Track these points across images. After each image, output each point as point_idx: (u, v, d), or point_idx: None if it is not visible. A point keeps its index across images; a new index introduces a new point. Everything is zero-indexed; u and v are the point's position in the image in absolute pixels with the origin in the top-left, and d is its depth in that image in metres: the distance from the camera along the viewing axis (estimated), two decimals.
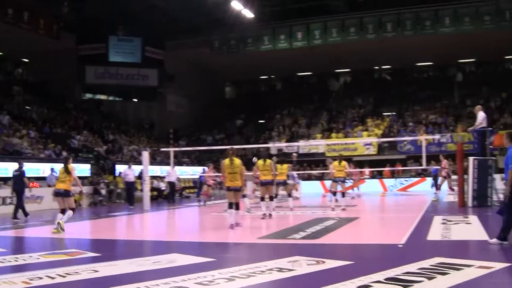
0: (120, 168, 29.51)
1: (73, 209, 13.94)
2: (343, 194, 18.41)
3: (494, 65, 47.43)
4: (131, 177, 24.50)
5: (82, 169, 28.97)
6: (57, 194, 13.90)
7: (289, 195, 18.91)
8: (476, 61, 47.96)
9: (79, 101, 41.18)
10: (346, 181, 19.25)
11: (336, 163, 18.30)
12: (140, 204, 22.79)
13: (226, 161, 13.13)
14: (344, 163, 18.12)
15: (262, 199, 15.82)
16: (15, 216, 17.93)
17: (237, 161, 13.10)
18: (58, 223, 13.29)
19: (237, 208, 13.09)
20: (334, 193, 18.86)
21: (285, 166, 18.36)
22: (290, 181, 20.91)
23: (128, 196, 24.90)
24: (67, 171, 13.63)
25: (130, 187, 24.55)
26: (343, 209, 17.25)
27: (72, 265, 8.21)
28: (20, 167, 18.76)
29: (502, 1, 34.78)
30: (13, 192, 18.70)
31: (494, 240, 9.21)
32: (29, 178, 20.51)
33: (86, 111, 39.71)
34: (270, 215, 15.22)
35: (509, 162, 9.14)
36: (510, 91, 41.84)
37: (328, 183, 22.55)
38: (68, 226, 15.61)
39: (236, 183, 13.03)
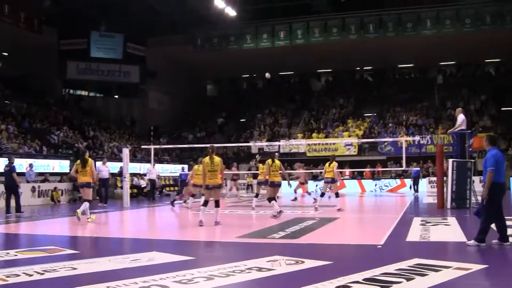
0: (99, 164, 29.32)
1: (89, 201, 14.79)
2: (337, 194, 18.36)
3: (474, 68, 47.85)
4: (105, 174, 23.21)
5: (62, 166, 28.83)
6: (81, 186, 14.98)
7: (257, 195, 19.25)
8: (456, 64, 48.41)
9: (59, 96, 40.85)
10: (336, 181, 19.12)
11: (327, 164, 18.29)
12: (120, 201, 22.69)
13: (207, 159, 13.21)
14: (334, 164, 18.07)
15: (270, 199, 15.31)
16: (8, 211, 18.15)
17: (217, 159, 13.17)
18: (82, 212, 14.50)
19: (217, 205, 13.19)
20: (323, 194, 18.83)
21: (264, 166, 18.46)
22: None
23: (100, 193, 23.84)
24: (84, 164, 14.73)
25: (105, 184, 23.47)
26: (339, 209, 17.30)
27: (50, 262, 8.12)
28: (11, 162, 18.67)
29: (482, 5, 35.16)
30: (5, 187, 18.89)
31: (472, 242, 9.29)
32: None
33: (67, 106, 39.37)
34: (280, 211, 15.05)
35: (487, 165, 9.25)
36: (489, 94, 42.30)
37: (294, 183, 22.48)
38: (47, 222, 15.51)
39: (216, 180, 13.13)
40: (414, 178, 29.89)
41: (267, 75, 25.61)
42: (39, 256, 8.93)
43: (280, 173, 15.49)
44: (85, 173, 14.75)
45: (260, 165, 19.31)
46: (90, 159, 15.21)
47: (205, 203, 13.27)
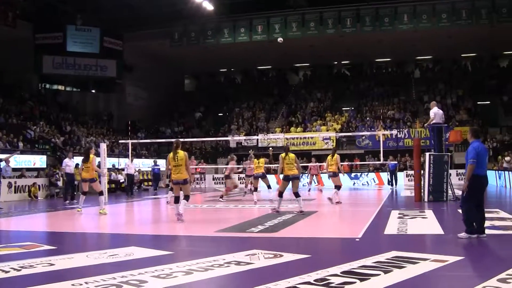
0: (78, 160, 29.06)
1: (101, 192, 16.33)
2: (338, 187, 18.22)
3: (451, 62, 48.25)
4: (72, 169, 22.28)
5: (42, 161, 28.60)
6: (84, 180, 16.13)
7: (269, 186, 19.76)
8: (433, 58, 48.77)
9: (35, 91, 40.43)
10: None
11: (329, 157, 18.31)
12: (98, 196, 22.56)
13: (170, 154, 13.08)
14: (336, 156, 18.07)
15: (280, 194, 14.69)
16: None
17: (181, 153, 12.94)
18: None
19: (185, 199, 12.96)
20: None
21: (262, 160, 19.47)
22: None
23: (65, 190, 22.81)
24: (86, 160, 15.82)
25: (70, 179, 22.47)
26: (338, 202, 17.46)
27: (27, 258, 8.04)
28: None
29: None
30: None
31: (463, 234, 9.35)
32: None
33: (43, 101, 38.99)
34: (302, 211, 14.39)
35: (468, 157, 9.34)
36: (465, 88, 42.72)
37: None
38: (24, 218, 15.39)
39: (180, 175, 12.84)
40: (391, 171, 30.07)
41: (280, 40, 25.48)
42: (15, 252, 8.85)
43: (295, 166, 14.79)
44: (88, 169, 15.79)
45: (255, 159, 19.41)
46: (92, 156, 15.95)
47: (176, 199, 13.07)
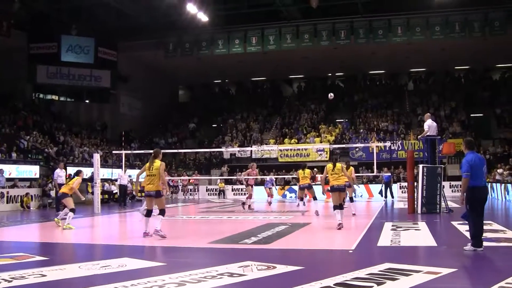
0: (70, 170, 28.94)
1: (72, 209, 15.14)
2: (351, 199, 18.86)
3: (444, 75, 48.48)
4: (63, 179, 21.76)
5: (30, 171, 28.46)
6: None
7: (315, 198, 19.40)
8: (426, 71, 48.99)
9: (29, 101, 40.35)
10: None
11: (300, 170, 18.63)
12: (91, 207, 22.46)
13: (147, 164, 12.46)
14: (351, 169, 18.27)
15: (337, 207, 13.69)
16: None
17: (157, 163, 12.24)
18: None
19: (161, 213, 12.12)
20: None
21: (308, 171, 19.31)
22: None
23: (57, 200, 21.13)
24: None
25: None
26: (353, 214, 17.72)
27: (19, 269, 8.00)
28: None
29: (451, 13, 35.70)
30: None
31: (468, 247, 9.29)
32: None
33: (37, 111, 38.90)
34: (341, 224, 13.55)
35: (463, 170, 9.31)
36: (459, 101, 42.91)
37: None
38: (16, 229, 15.32)
39: (151, 186, 12.06)
40: (386, 183, 30.08)
41: (330, 95, 24.48)
42: (7, 263, 8.78)
43: (342, 175, 14.01)
44: (67, 186, 15.77)
45: (300, 170, 19.29)
46: (76, 178, 15.63)
47: (148, 213, 12.33)
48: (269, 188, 28.33)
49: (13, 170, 27.04)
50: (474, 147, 9.87)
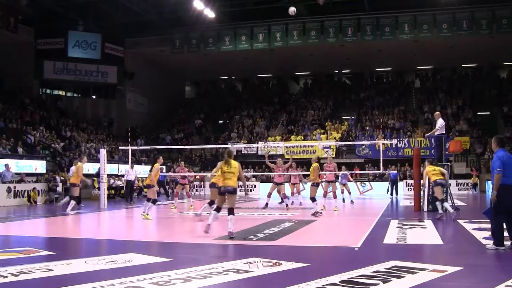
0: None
1: (153, 200, 16.33)
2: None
3: (451, 72, 48.33)
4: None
5: (36, 166, 28.51)
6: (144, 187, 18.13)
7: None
8: (433, 68, 48.82)
9: (36, 96, 40.41)
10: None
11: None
12: (97, 202, 22.50)
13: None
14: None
15: (217, 208, 12.40)
16: None
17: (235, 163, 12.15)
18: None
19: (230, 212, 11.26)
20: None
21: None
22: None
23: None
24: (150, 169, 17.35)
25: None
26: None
27: (26, 263, 8.03)
28: None
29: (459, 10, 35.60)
30: None
31: (491, 246, 9.22)
32: None
33: (43, 106, 38.98)
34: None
35: (494, 167, 9.14)
36: (465, 99, 42.77)
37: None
38: (22, 223, 15.38)
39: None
40: (393, 181, 30.06)
41: (292, 10, 23.75)
42: (14, 257, 8.83)
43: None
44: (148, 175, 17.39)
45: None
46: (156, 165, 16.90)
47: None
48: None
49: (19, 165, 27.09)
50: (504, 145, 9.71)
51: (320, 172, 19.14)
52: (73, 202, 16.10)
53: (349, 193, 24.50)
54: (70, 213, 16.58)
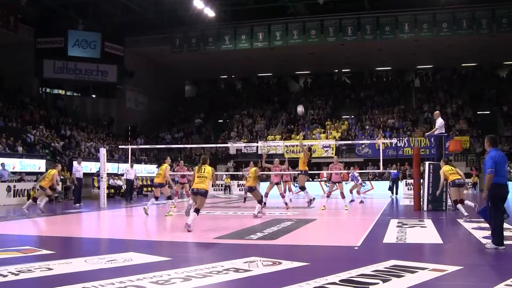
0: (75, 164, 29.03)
1: (169, 197, 17.55)
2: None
3: (451, 71, 48.31)
4: (81, 174, 23.12)
5: (36, 165, 28.48)
6: (155, 186, 17.87)
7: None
8: (433, 67, 48.83)
9: (36, 95, 40.42)
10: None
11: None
12: (96, 201, 22.48)
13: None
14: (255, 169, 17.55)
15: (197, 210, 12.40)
16: None
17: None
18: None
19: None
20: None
21: None
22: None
23: (78, 193, 22.91)
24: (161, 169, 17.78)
25: (80, 184, 23.00)
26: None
27: (25, 262, 8.02)
28: None
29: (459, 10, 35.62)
30: None
31: (490, 245, 9.21)
32: None
33: (43, 105, 38.98)
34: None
35: (486, 167, 9.18)
36: (465, 98, 42.78)
37: None
38: (22, 222, 15.37)
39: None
40: (393, 180, 30.09)
41: (300, 110, 22.96)
42: (13, 256, 8.81)
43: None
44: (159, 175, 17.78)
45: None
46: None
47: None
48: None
49: (19, 164, 27.06)
50: (497, 144, 9.79)
51: (326, 172, 19.26)
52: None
53: (358, 193, 24.70)
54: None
